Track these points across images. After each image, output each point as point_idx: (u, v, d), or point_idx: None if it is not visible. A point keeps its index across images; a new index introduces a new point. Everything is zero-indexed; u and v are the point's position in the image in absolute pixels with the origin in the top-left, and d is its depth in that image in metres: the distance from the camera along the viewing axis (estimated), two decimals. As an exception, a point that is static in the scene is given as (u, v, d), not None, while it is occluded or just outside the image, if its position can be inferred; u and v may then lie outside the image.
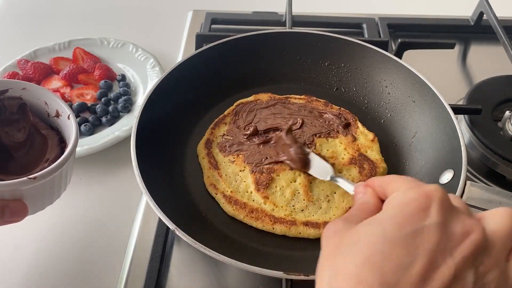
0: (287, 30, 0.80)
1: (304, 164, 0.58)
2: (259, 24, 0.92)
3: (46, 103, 0.55)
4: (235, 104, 0.70)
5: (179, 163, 0.63)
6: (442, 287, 0.27)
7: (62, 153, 0.50)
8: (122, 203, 0.66)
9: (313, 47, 0.73)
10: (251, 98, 0.70)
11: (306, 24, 0.91)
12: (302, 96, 0.71)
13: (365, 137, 0.65)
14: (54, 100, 0.54)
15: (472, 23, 0.94)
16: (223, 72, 0.71)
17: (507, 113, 0.70)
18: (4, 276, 0.57)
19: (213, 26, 0.92)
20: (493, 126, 0.70)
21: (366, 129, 0.66)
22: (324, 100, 0.71)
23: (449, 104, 0.60)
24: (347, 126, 0.66)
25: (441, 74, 0.87)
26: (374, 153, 0.63)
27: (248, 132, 0.64)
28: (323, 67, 0.74)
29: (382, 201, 0.35)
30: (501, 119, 0.71)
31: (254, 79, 0.73)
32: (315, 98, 0.71)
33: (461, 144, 0.55)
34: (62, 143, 0.54)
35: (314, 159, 0.58)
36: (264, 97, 0.71)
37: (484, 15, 0.90)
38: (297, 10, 0.88)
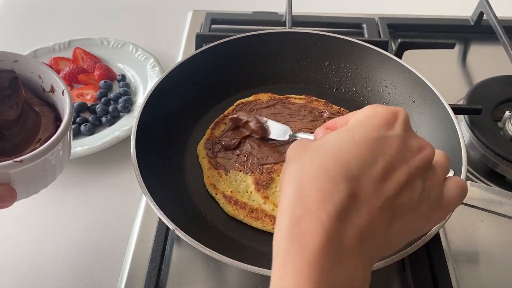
0: (287, 30, 0.80)
1: (263, 131, 0.63)
2: (259, 24, 0.92)
3: (40, 77, 0.50)
4: (235, 104, 0.70)
5: (179, 163, 0.63)
6: (396, 188, 0.31)
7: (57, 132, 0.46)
8: (122, 203, 0.66)
9: (313, 47, 0.73)
10: (251, 98, 0.71)
11: (306, 24, 0.91)
12: (302, 96, 0.71)
13: (365, 137, 0.65)
14: (48, 74, 0.49)
15: (472, 23, 0.94)
16: (223, 72, 0.71)
17: (507, 113, 0.70)
18: (4, 276, 0.57)
19: (213, 26, 0.92)
20: (493, 126, 0.70)
21: (366, 129, 0.66)
22: (324, 100, 0.71)
23: (449, 104, 0.60)
24: None
25: (441, 74, 0.87)
26: (374, 153, 0.63)
27: (219, 148, 0.64)
28: (323, 67, 0.74)
29: None
30: (501, 119, 0.71)
31: (254, 79, 0.73)
32: (315, 98, 0.71)
33: (461, 144, 0.55)
34: (58, 120, 0.50)
35: (272, 125, 0.63)
36: (264, 97, 0.71)
37: (484, 15, 0.90)
38: (297, 10, 0.88)
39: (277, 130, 0.62)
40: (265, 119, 0.64)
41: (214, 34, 0.84)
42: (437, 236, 0.58)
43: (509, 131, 0.68)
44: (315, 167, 0.31)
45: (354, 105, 0.71)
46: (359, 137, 0.32)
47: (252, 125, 0.63)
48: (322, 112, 0.68)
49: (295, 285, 0.28)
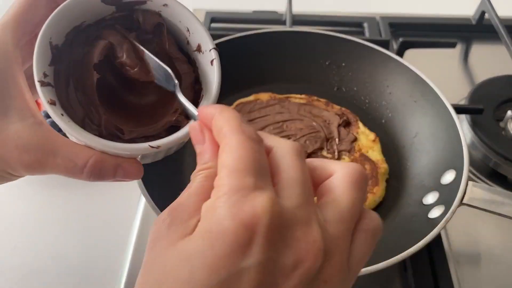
0: (287, 29, 0.79)
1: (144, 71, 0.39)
2: (259, 23, 0.92)
3: (188, 30, 0.41)
4: (235, 104, 0.69)
5: (179, 163, 0.62)
6: None
7: (196, 99, 0.39)
8: (122, 203, 0.65)
9: (313, 46, 0.72)
10: (251, 98, 0.70)
11: (307, 23, 0.91)
12: (303, 96, 0.71)
13: (366, 137, 0.65)
14: (198, 29, 0.40)
15: (473, 22, 0.94)
16: (222, 72, 0.70)
17: (509, 113, 0.69)
18: (4, 276, 0.57)
19: (212, 25, 0.92)
20: (495, 126, 0.70)
21: (367, 129, 0.66)
22: (325, 100, 0.70)
23: (451, 104, 0.60)
24: (347, 125, 0.66)
25: (443, 73, 0.86)
26: (375, 153, 0.63)
27: None
28: (324, 67, 0.73)
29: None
30: (503, 119, 0.71)
31: (254, 79, 0.72)
32: (315, 97, 0.70)
33: (463, 144, 0.55)
34: (197, 84, 0.41)
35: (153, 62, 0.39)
36: (264, 96, 0.70)
37: (486, 14, 0.89)
38: (297, 9, 0.88)
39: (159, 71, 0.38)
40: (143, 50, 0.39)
41: (214, 33, 0.84)
42: (438, 237, 0.57)
43: (511, 131, 0.68)
44: None
45: (355, 104, 0.71)
46: (200, 282, 0.22)
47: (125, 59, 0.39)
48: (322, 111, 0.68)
49: None
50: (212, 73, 0.40)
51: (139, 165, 0.39)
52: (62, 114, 0.35)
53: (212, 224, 0.23)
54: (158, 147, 0.36)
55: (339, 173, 0.27)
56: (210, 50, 0.39)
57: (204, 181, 0.27)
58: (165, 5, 0.40)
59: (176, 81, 0.37)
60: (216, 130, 0.27)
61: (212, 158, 0.27)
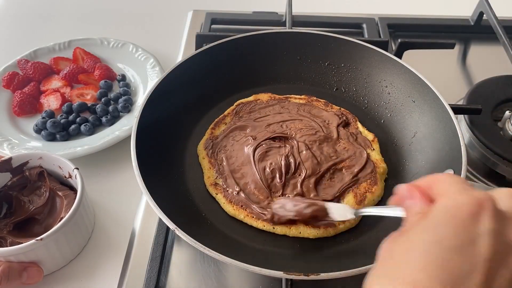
0: (287, 30, 0.80)
1: (324, 213, 0.52)
2: (259, 24, 0.92)
3: (60, 167, 0.61)
4: (235, 104, 0.70)
5: (179, 163, 0.63)
6: None
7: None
8: (122, 203, 0.66)
9: (313, 47, 0.73)
10: (251, 98, 0.71)
11: (306, 24, 0.91)
12: (302, 96, 0.71)
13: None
14: (65, 164, 0.60)
15: (472, 23, 0.94)
16: (223, 72, 0.71)
17: (507, 113, 0.70)
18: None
19: (213, 26, 0.92)
20: (493, 126, 0.70)
21: (366, 129, 0.66)
22: (324, 100, 0.71)
23: (449, 104, 0.60)
24: (346, 125, 0.66)
25: (441, 74, 0.87)
26: (374, 153, 0.63)
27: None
28: (323, 67, 0.74)
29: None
30: (501, 119, 0.71)
31: (254, 79, 0.73)
32: (315, 98, 0.71)
33: (461, 144, 0.55)
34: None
35: (330, 205, 0.52)
36: (264, 97, 0.71)
37: (484, 15, 0.90)
38: (297, 10, 0.88)
39: (337, 210, 0.51)
40: (321, 203, 0.52)
41: (214, 34, 0.84)
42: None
43: (509, 131, 0.68)
44: (405, 285, 0.28)
45: (354, 105, 0.71)
46: (448, 241, 0.28)
47: (309, 210, 0.52)
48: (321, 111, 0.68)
49: None
50: (77, 182, 0.58)
51: (39, 269, 0.54)
52: None
53: (450, 202, 0.30)
54: (41, 239, 0.51)
55: None
56: (73, 170, 0.59)
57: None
58: (40, 158, 0.60)
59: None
60: (426, 186, 0.34)
61: (424, 206, 0.33)
